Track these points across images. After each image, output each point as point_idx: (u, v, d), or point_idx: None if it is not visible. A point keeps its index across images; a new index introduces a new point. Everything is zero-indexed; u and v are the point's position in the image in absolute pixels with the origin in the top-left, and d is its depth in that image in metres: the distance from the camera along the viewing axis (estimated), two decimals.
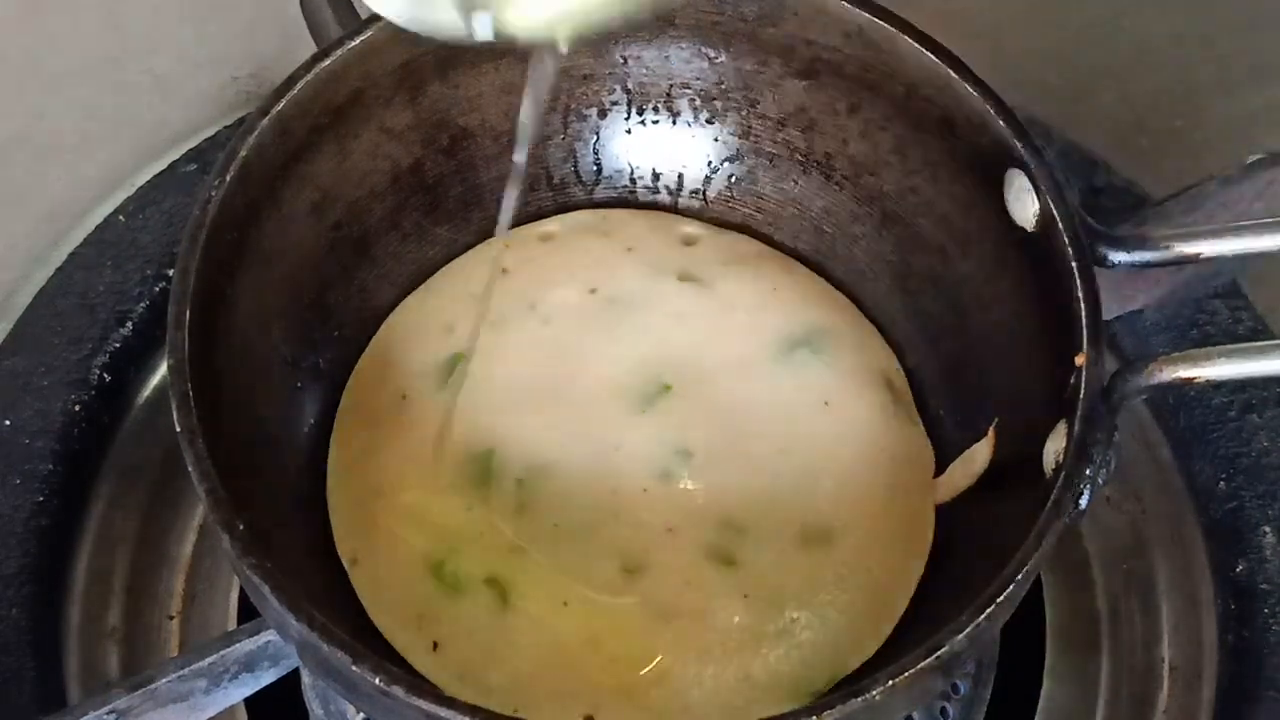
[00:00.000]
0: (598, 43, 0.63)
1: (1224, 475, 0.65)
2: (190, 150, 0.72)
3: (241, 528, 0.48)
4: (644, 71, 0.64)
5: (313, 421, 0.60)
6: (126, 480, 0.67)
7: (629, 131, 0.66)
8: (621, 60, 0.64)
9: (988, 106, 0.56)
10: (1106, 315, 0.52)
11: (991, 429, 0.57)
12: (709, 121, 0.65)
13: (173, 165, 0.71)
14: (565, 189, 0.66)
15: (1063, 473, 0.50)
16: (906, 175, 0.62)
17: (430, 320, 0.63)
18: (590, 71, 0.64)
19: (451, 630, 0.55)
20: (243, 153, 0.55)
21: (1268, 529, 0.64)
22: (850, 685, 0.48)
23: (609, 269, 0.63)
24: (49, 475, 0.64)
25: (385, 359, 0.62)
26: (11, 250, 0.71)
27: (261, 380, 0.57)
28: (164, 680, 0.51)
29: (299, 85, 0.56)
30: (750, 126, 0.65)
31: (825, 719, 0.45)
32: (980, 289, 0.60)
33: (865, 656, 0.56)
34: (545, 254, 0.64)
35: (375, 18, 0.58)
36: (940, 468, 0.60)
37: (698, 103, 0.65)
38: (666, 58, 0.64)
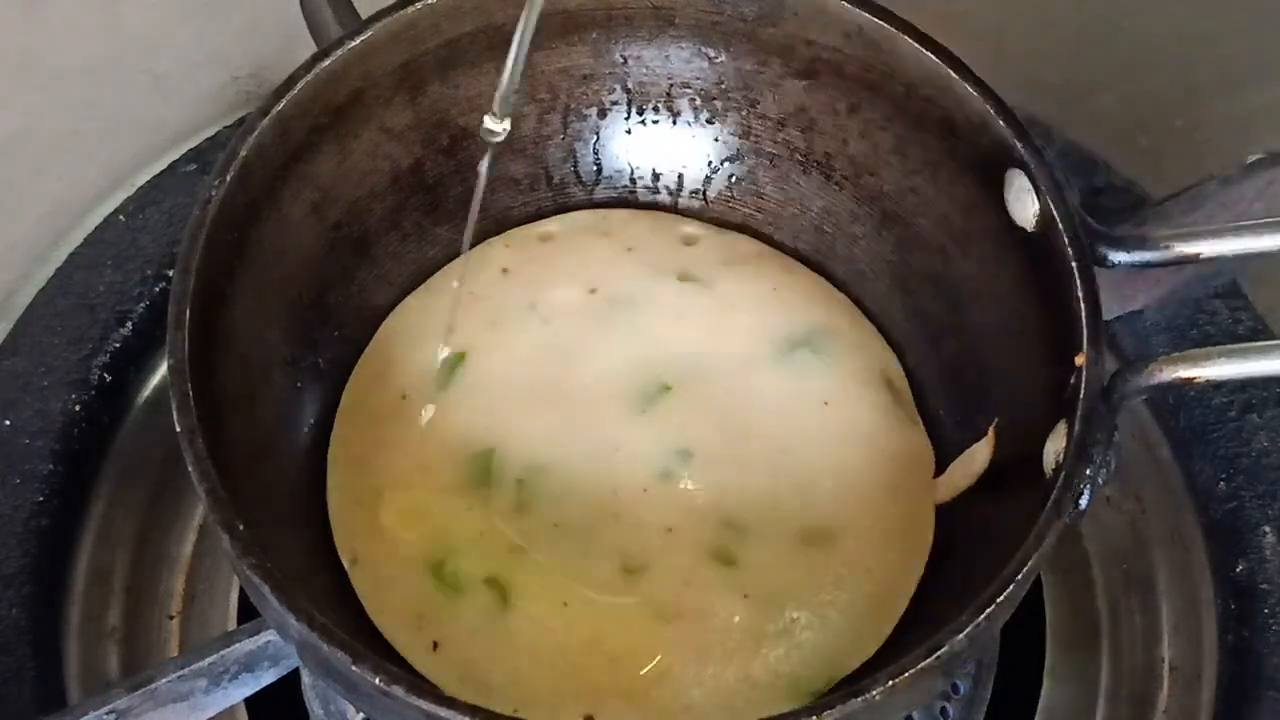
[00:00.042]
0: (598, 42, 0.63)
1: (1224, 475, 0.65)
2: (190, 150, 0.72)
3: (241, 528, 0.48)
4: (644, 71, 0.64)
5: (313, 421, 0.60)
6: (126, 480, 0.67)
7: (629, 131, 0.66)
8: (621, 60, 0.64)
9: (988, 106, 0.56)
10: (1106, 315, 0.52)
11: (991, 429, 0.57)
12: (709, 121, 0.65)
13: (173, 165, 0.72)
14: (565, 189, 0.66)
15: (1063, 473, 0.50)
16: (906, 175, 0.62)
17: (430, 320, 0.63)
18: (590, 71, 0.64)
19: (451, 630, 0.55)
20: (243, 153, 0.55)
21: (1268, 529, 0.64)
22: (850, 685, 0.48)
23: (609, 269, 0.63)
24: (49, 475, 0.64)
25: (385, 359, 0.62)
26: (11, 250, 0.71)
27: (261, 380, 0.57)
28: (164, 680, 0.51)
29: (299, 85, 0.56)
30: (750, 126, 0.65)
31: (825, 719, 0.45)
32: (980, 289, 0.60)
33: (865, 656, 0.56)
34: (545, 254, 0.64)
35: (375, 17, 0.59)
36: (940, 468, 0.60)
37: (698, 103, 0.65)
38: (666, 57, 0.64)
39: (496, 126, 0.53)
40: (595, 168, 0.66)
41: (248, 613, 0.57)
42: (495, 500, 0.58)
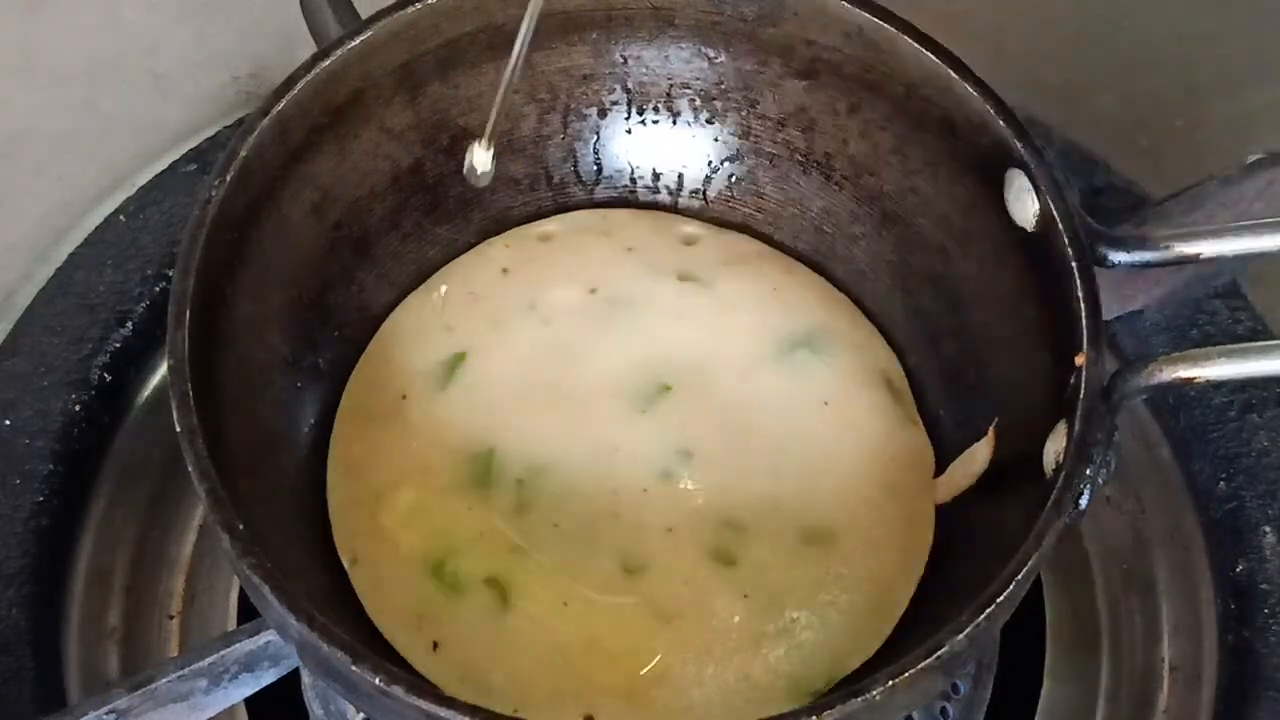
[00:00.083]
0: (598, 42, 0.63)
1: (1224, 475, 0.65)
2: (190, 150, 0.72)
3: (241, 528, 0.48)
4: (644, 71, 0.64)
5: (313, 421, 0.60)
6: (126, 480, 0.67)
7: (629, 131, 0.66)
8: (621, 60, 0.64)
9: (988, 106, 0.56)
10: (1106, 315, 0.52)
11: (991, 429, 0.57)
12: (709, 121, 0.65)
13: (173, 165, 0.71)
14: (565, 189, 0.66)
15: (1063, 473, 0.50)
16: (906, 175, 0.62)
17: (430, 320, 0.63)
18: (590, 71, 0.64)
19: (451, 630, 0.55)
20: (243, 153, 0.55)
21: (1268, 529, 0.64)
22: (850, 685, 0.48)
23: (609, 269, 0.63)
24: (49, 475, 0.64)
25: (385, 359, 0.62)
26: (11, 250, 0.71)
27: (261, 380, 0.57)
28: (164, 680, 0.51)
29: (299, 85, 0.56)
30: (750, 126, 0.65)
31: (825, 719, 0.45)
32: (980, 289, 0.60)
33: (865, 656, 0.56)
34: (545, 254, 0.64)
35: (375, 17, 0.59)
36: (940, 468, 0.60)
37: (698, 103, 0.65)
38: (666, 58, 0.64)
39: (483, 164, 0.54)
40: (595, 167, 0.66)
41: (248, 613, 0.57)
42: (495, 500, 0.58)
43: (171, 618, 0.66)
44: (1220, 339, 0.67)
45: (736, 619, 0.55)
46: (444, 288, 0.63)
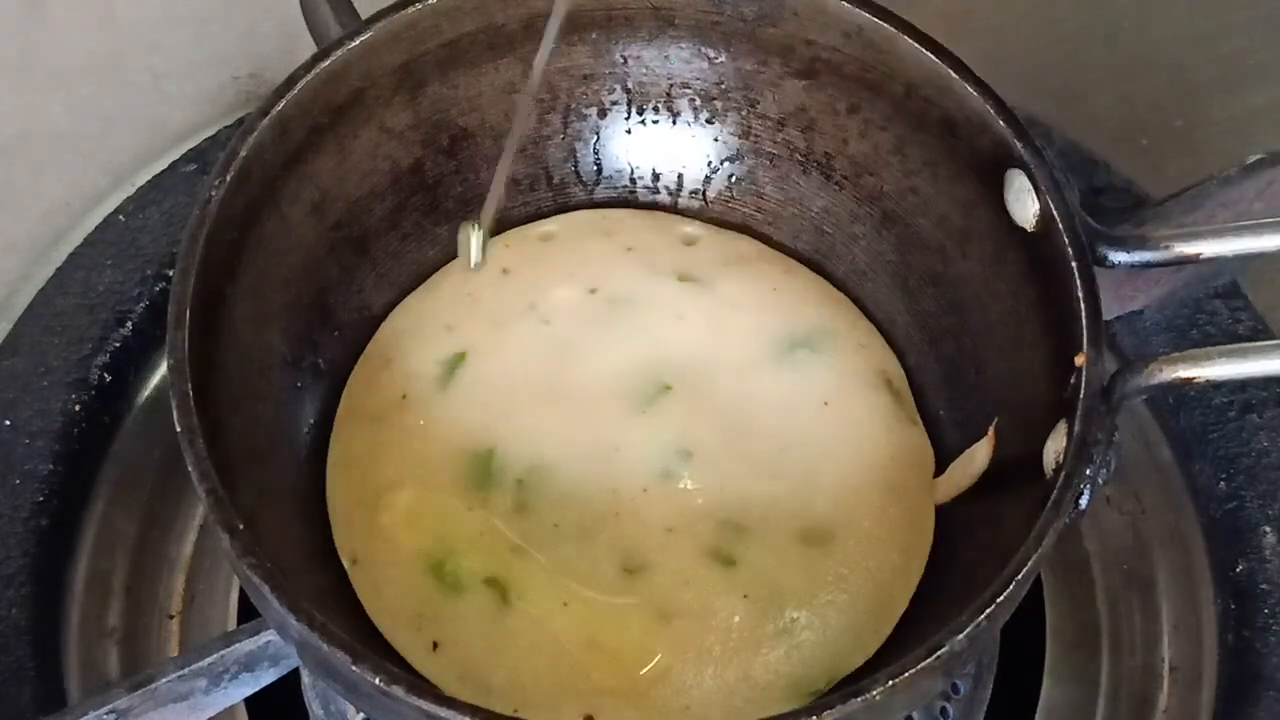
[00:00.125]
0: (598, 42, 0.63)
1: (1224, 475, 0.65)
2: (190, 150, 0.72)
3: (241, 528, 0.48)
4: (644, 71, 0.64)
5: (313, 421, 0.60)
6: (126, 480, 0.67)
7: (629, 131, 0.66)
8: (621, 60, 0.64)
9: (988, 106, 0.56)
10: (1106, 315, 0.52)
11: (991, 429, 0.57)
12: (709, 121, 0.65)
13: (173, 165, 0.71)
14: (565, 189, 0.66)
15: (1063, 473, 0.50)
16: (906, 175, 0.62)
17: (430, 320, 0.63)
18: (590, 71, 0.64)
19: (451, 630, 0.55)
20: (243, 153, 0.55)
21: (1268, 529, 0.64)
22: (850, 685, 0.48)
23: (609, 269, 0.63)
24: (49, 475, 0.64)
25: (385, 359, 0.62)
26: (11, 250, 0.71)
27: (261, 380, 0.57)
28: (164, 680, 0.51)
29: (299, 85, 0.56)
30: (750, 126, 0.65)
31: (825, 719, 0.45)
32: (980, 289, 0.60)
33: (865, 656, 0.56)
34: (545, 254, 0.64)
35: (375, 18, 0.59)
36: (940, 468, 0.60)
37: (698, 103, 0.65)
38: (666, 58, 0.64)
39: (476, 255, 0.54)
40: (595, 168, 0.66)
41: (248, 613, 0.57)
42: (495, 500, 0.58)
43: (171, 618, 0.66)
44: (1220, 339, 0.67)
45: (736, 619, 0.55)
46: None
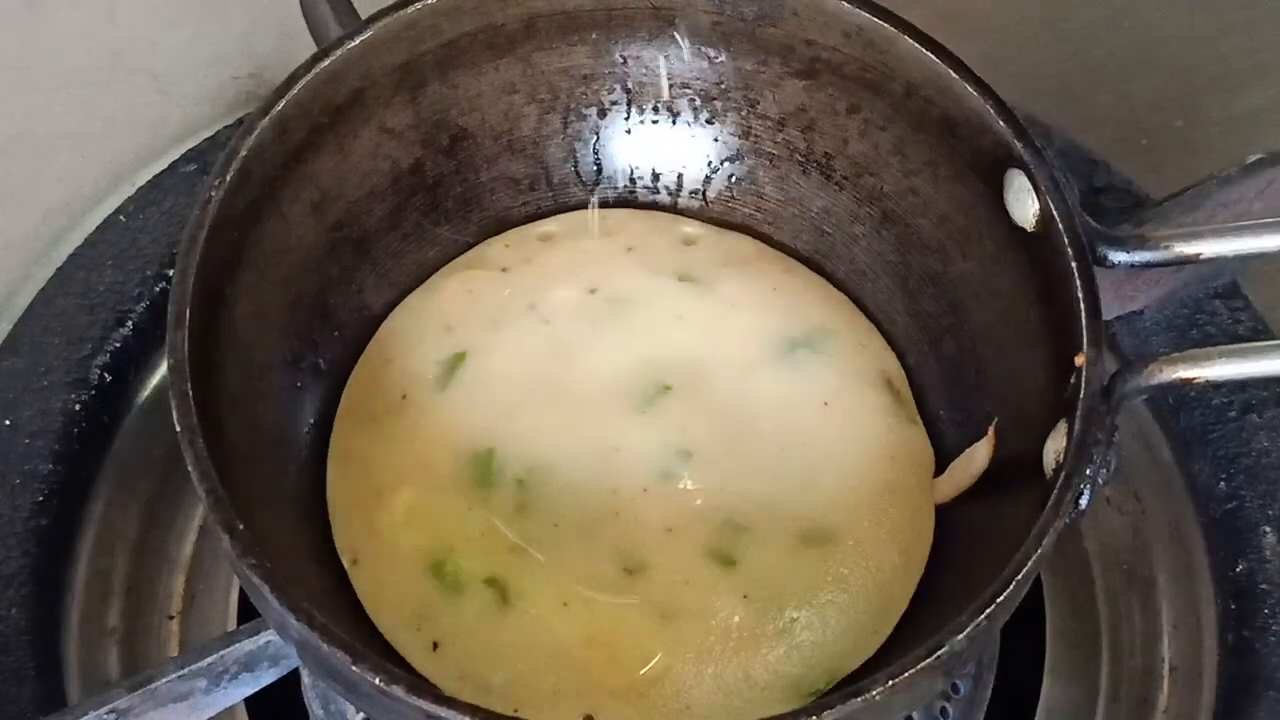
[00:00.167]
0: (598, 42, 0.63)
1: (1224, 475, 0.65)
2: (190, 150, 0.72)
3: (241, 528, 0.48)
4: (644, 71, 0.64)
5: (313, 421, 0.60)
6: (126, 480, 0.67)
7: (629, 131, 0.66)
8: (621, 60, 0.64)
9: (988, 106, 0.56)
10: (1106, 315, 0.52)
11: (991, 429, 0.57)
12: (709, 121, 0.65)
13: (173, 165, 0.71)
14: (565, 189, 0.66)
15: (1063, 473, 0.50)
16: (906, 175, 0.62)
17: (430, 320, 0.63)
18: (590, 71, 0.64)
19: (451, 630, 0.55)
20: (243, 153, 0.55)
21: (1268, 529, 0.64)
22: (850, 685, 0.48)
23: (609, 269, 0.63)
24: (49, 475, 0.64)
25: (385, 359, 0.62)
26: (11, 250, 0.71)
27: (261, 380, 0.57)
28: (164, 680, 0.51)
29: (299, 85, 0.56)
30: (750, 126, 0.65)
31: (825, 719, 0.45)
32: (980, 289, 0.60)
33: (865, 656, 0.56)
34: (545, 254, 0.64)
35: (375, 17, 0.59)
36: (940, 468, 0.60)
37: (698, 103, 0.65)
38: (666, 57, 0.64)
39: None
40: (595, 168, 0.66)
41: (248, 613, 0.57)
42: (495, 500, 0.58)
43: (171, 618, 0.66)
44: (1220, 339, 0.67)
45: (736, 619, 0.55)
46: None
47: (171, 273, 0.53)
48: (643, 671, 0.54)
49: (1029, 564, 0.48)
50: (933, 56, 0.57)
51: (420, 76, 0.61)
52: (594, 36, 0.63)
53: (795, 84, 0.63)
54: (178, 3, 0.81)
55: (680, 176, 0.66)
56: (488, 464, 0.58)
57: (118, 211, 0.70)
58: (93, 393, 0.66)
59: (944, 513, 0.59)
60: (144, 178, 0.71)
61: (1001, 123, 0.56)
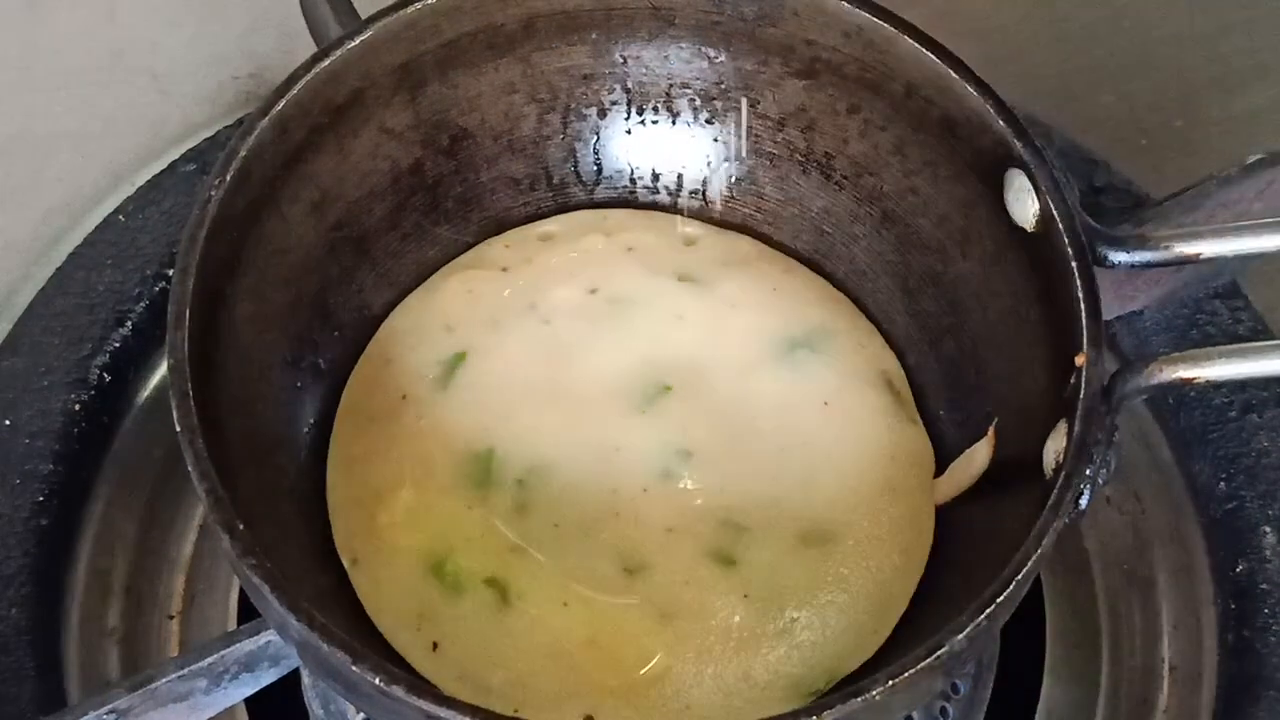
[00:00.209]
0: (598, 42, 0.63)
1: (1224, 475, 0.65)
2: (190, 150, 0.72)
3: (241, 528, 0.48)
4: (644, 71, 0.64)
5: (313, 421, 0.60)
6: (126, 480, 0.67)
7: (629, 131, 0.66)
8: (621, 60, 0.64)
9: (988, 106, 0.56)
10: (1106, 315, 0.52)
11: (991, 429, 0.57)
12: (709, 121, 0.65)
13: (173, 165, 0.72)
14: (565, 189, 0.66)
15: (1063, 473, 0.50)
16: (906, 175, 0.62)
17: (430, 320, 0.63)
18: (590, 71, 0.64)
19: (451, 630, 0.55)
20: (243, 153, 0.55)
21: (1268, 529, 0.64)
22: (850, 685, 0.48)
23: (609, 269, 0.63)
24: (49, 475, 0.64)
25: (385, 359, 0.62)
26: (11, 250, 0.71)
27: (261, 380, 0.57)
28: (164, 680, 0.51)
29: (299, 85, 0.56)
30: (750, 126, 0.65)
31: (825, 719, 0.45)
32: (980, 289, 0.60)
33: (865, 656, 0.56)
34: (545, 254, 0.64)
35: (375, 17, 0.59)
36: (940, 468, 0.60)
37: (698, 103, 0.65)
38: (666, 58, 0.64)
39: None
40: (595, 168, 0.66)
41: (248, 613, 0.57)
42: (495, 500, 0.58)
43: (171, 618, 0.66)
44: (1220, 339, 0.67)
45: (736, 619, 0.55)
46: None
47: (171, 273, 0.53)
48: (643, 671, 0.54)
49: (1029, 564, 0.48)
50: (933, 56, 0.57)
51: (420, 76, 0.61)
52: (594, 36, 0.63)
53: (795, 84, 0.63)
54: (178, 3, 0.81)
55: (680, 176, 0.66)
56: (488, 464, 0.58)
57: (117, 211, 0.70)
58: (93, 393, 0.66)
59: (944, 513, 0.59)
60: (144, 178, 0.71)
61: (1001, 123, 0.56)
